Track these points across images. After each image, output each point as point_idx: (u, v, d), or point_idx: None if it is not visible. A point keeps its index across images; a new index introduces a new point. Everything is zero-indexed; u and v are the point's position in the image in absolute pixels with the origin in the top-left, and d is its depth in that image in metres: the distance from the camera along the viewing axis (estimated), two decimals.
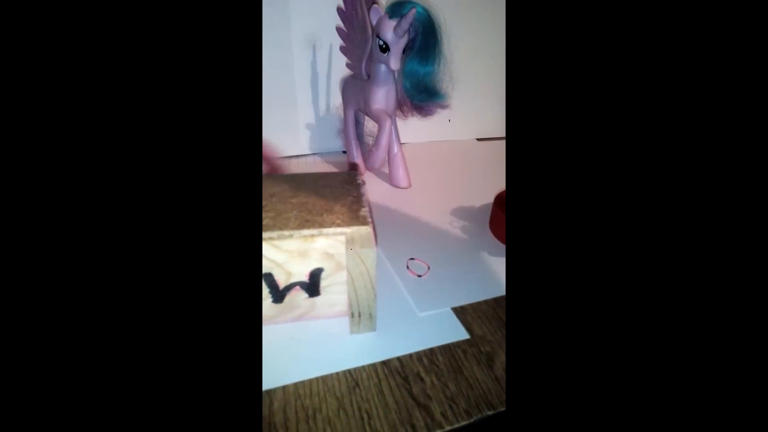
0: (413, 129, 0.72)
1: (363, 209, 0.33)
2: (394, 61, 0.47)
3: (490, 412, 0.27)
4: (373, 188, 0.58)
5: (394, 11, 0.46)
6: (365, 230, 0.30)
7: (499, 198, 0.49)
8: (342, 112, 0.60)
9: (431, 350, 0.32)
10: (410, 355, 0.31)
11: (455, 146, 0.75)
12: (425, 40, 0.47)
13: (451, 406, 0.28)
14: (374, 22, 0.47)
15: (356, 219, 0.31)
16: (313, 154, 0.69)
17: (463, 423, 0.27)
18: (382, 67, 0.50)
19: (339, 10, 0.53)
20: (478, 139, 0.79)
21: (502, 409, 0.28)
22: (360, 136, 0.61)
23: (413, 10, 0.44)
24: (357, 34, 0.53)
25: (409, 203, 0.54)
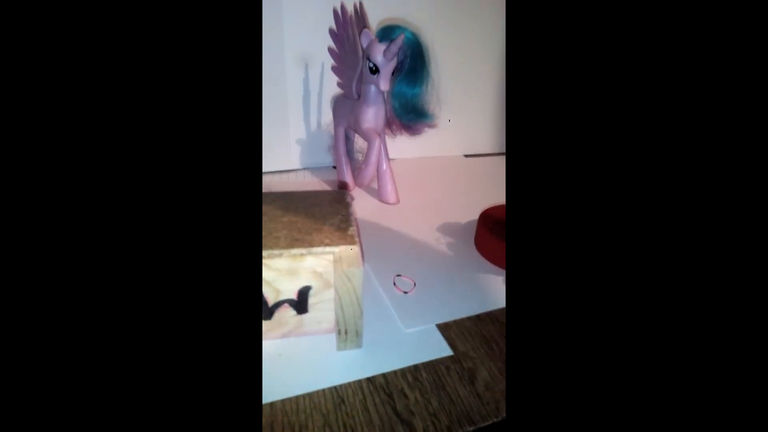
0: (402, 145, 0.74)
1: (351, 228, 0.34)
2: (384, 82, 0.49)
3: (470, 429, 0.28)
4: (362, 204, 0.59)
5: (384, 35, 0.48)
6: (353, 250, 0.31)
7: (483, 216, 0.50)
8: (332, 129, 0.61)
9: (415, 367, 0.33)
10: (395, 372, 0.32)
11: (443, 162, 0.77)
12: (413, 63, 0.49)
13: (433, 422, 0.28)
14: (365, 45, 0.49)
15: (344, 238, 0.32)
16: (304, 169, 0.70)
17: None
18: (372, 88, 0.51)
19: (331, 31, 0.55)
20: (466, 156, 0.81)
21: (483, 424, 0.29)
22: (350, 152, 0.62)
23: (402, 36, 0.46)
24: (348, 56, 0.55)
25: (397, 219, 0.55)
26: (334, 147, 0.61)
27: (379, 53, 0.48)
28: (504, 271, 0.45)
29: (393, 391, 0.31)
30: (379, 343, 0.35)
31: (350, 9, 0.53)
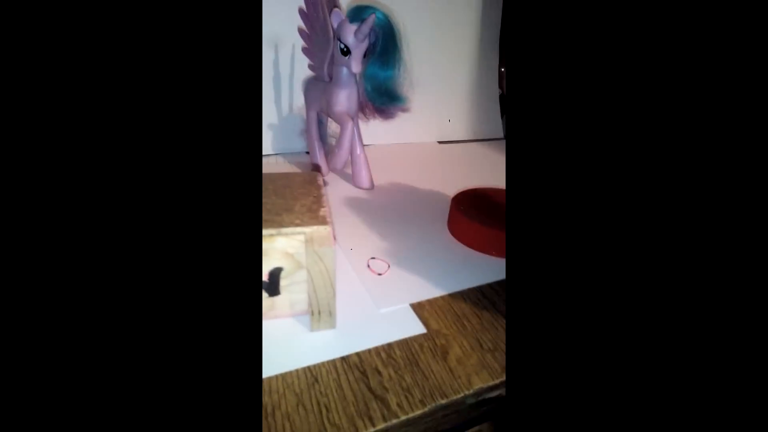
0: (376, 131, 0.73)
1: (322, 209, 0.33)
2: (356, 64, 0.48)
3: (443, 401, 0.29)
4: (336, 189, 0.58)
5: (355, 15, 0.47)
6: (324, 230, 0.31)
7: (456, 199, 0.51)
8: (305, 113, 0.60)
9: (389, 345, 0.33)
10: (369, 350, 0.32)
11: (417, 149, 0.77)
12: (385, 45, 0.49)
13: (406, 397, 0.29)
14: (335, 26, 0.48)
15: (315, 219, 0.32)
16: (276, 154, 0.68)
17: (418, 412, 0.28)
18: (344, 70, 0.50)
19: (300, 11, 0.54)
20: (440, 142, 0.81)
21: (455, 397, 0.29)
22: (323, 137, 0.61)
23: (373, 16, 0.45)
24: (319, 37, 0.53)
25: (372, 204, 0.55)
26: (307, 131, 0.60)
27: (350, 34, 0.47)
28: (475, 252, 0.46)
29: (367, 369, 0.31)
30: (353, 324, 0.35)
31: None
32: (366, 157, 0.59)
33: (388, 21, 0.48)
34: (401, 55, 0.50)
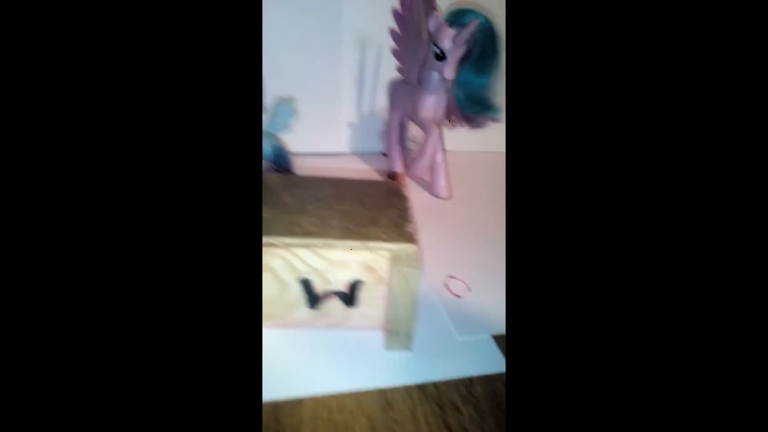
0: (461, 136, 0.70)
1: (409, 225, 0.31)
2: (449, 70, 0.46)
3: None
4: (411, 196, 0.56)
5: (454, 19, 0.45)
6: (412, 249, 0.29)
7: None
8: (386, 116, 0.59)
9: (469, 379, 0.30)
10: (447, 382, 0.30)
11: (501, 157, 0.72)
12: (483, 50, 0.46)
13: None
14: (432, 30, 0.46)
15: (403, 236, 0.30)
16: (352, 153, 0.68)
17: None
18: (435, 75, 0.48)
19: (395, 12, 0.52)
20: None
21: None
22: (404, 141, 0.59)
23: (476, 22, 0.42)
24: (411, 39, 0.52)
25: (449, 215, 0.52)
26: (387, 134, 0.59)
27: (447, 39, 0.44)
28: None
29: (445, 404, 0.28)
30: (430, 348, 0.32)
31: None
32: (446, 167, 0.56)
33: (491, 26, 0.44)
34: (498, 62, 0.46)
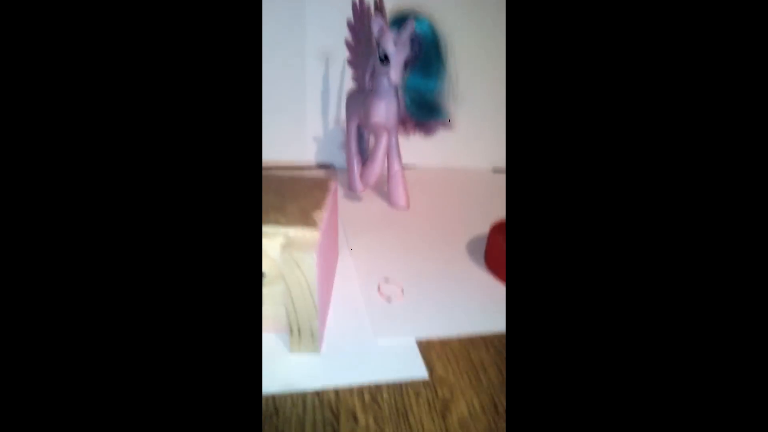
0: (423, 151, 0.69)
1: (318, 212, 0.29)
2: (395, 72, 0.45)
3: None
4: (369, 206, 0.54)
5: (398, 23, 0.45)
6: (309, 233, 0.26)
7: (496, 227, 0.43)
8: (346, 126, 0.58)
9: (377, 386, 0.27)
10: (351, 389, 0.26)
11: (467, 175, 0.71)
12: (428, 55, 0.45)
13: None
14: (375, 33, 0.46)
15: (304, 221, 0.27)
16: (319, 166, 0.67)
17: None
18: (384, 80, 0.48)
19: (348, 23, 0.53)
20: (495, 171, 0.74)
21: None
22: (363, 151, 0.58)
23: (412, 22, 0.42)
24: (363, 47, 0.52)
25: (403, 225, 0.50)
26: (346, 144, 0.58)
27: (389, 41, 0.44)
28: None
29: (341, 411, 0.25)
30: (343, 352, 0.29)
31: (370, 1, 0.51)
32: (404, 175, 0.54)
33: (432, 29, 0.44)
34: (445, 66, 0.46)
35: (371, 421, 0.24)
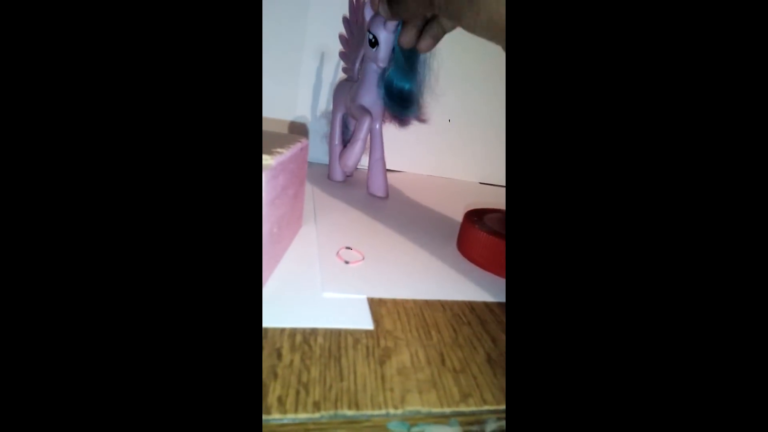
0: (416, 160, 0.70)
1: (281, 150, 0.28)
2: (383, 55, 0.46)
3: (349, 412, 0.18)
4: (349, 193, 0.53)
5: None
6: (265, 159, 0.25)
7: (469, 212, 0.42)
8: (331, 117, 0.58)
9: (313, 330, 0.24)
10: (282, 330, 0.23)
11: (455, 184, 0.70)
12: (408, 54, 0.46)
13: (297, 393, 0.19)
14: (368, 18, 0.47)
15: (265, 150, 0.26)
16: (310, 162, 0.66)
17: (303, 416, 0.18)
18: (372, 67, 0.48)
19: (344, 19, 0.55)
20: (481, 183, 0.74)
21: (370, 412, 0.19)
22: (346, 143, 0.58)
23: None
24: (355, 39, 0.53)
25: (379, 210, 0.48)
26: (330, 135, 0.58)
27: (380, 24, 0.45)
28: (484, 271, 0.36)
29: (266, 348, 0.22)
30: (281, 298, 0.26)
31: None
32: (384, 164, 0.53)
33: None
34: (423, 63, 0.47)
35: (297, 359, 0.21)
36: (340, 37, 0.56)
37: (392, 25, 0.44)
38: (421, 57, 0.47)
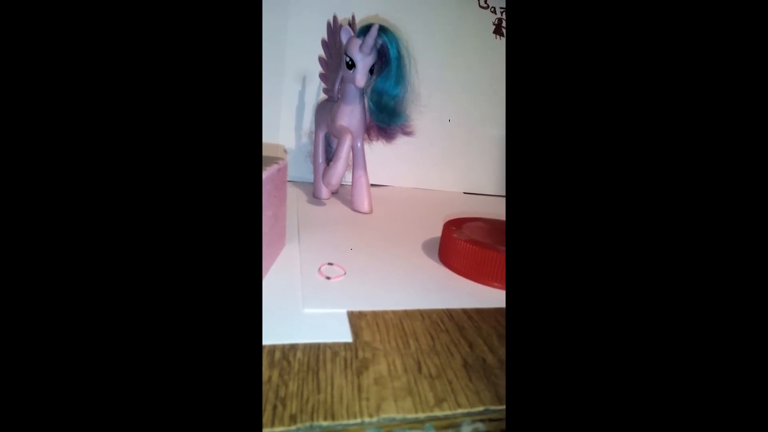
0: (400, 173, 0.71)
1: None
2: (360, 77, 0.47)
3: (324, 423, 0.19)
4: (331, 209, 0.54)
5: (364, 32, 0.48)
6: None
7: (448, 222, 0.43)
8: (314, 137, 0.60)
9: (293, 345, 0.24)
10: (263, 347, 0.24)
11: (440, 195, 0.71)
12: (391, 63, 0.48)
13: (274, 408, 0.19)
14: (344, 42, 0.49)
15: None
16: (290, 181, 0.67)
17: (279, 429, 0.18)
18: (351, 87, 0.50)
19: (322, 41, 0.57)
20: (465, 193, 0.75)
21: (346, 422, 0.19)
22: (330, 161, 0.59)
23: (375, 26, 0.45)
24: (334, 61, 0.55)
25: (362, 225, 0.49)
26: (314, 154, 0.59)
27: (355, 47, 0.47)
28: (464, 279, 0.36)
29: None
30: (263, 318, 0.27)
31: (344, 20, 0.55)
32: (367, 181, 0.54)
33: (395, 40, 0.47)
34: (407, 75, 0.49)
35: (275, 375, 0.22)
36: (320, 59, 0.58)
37: (368, 47, 0.46)
38: (404, 65, 0.48)
